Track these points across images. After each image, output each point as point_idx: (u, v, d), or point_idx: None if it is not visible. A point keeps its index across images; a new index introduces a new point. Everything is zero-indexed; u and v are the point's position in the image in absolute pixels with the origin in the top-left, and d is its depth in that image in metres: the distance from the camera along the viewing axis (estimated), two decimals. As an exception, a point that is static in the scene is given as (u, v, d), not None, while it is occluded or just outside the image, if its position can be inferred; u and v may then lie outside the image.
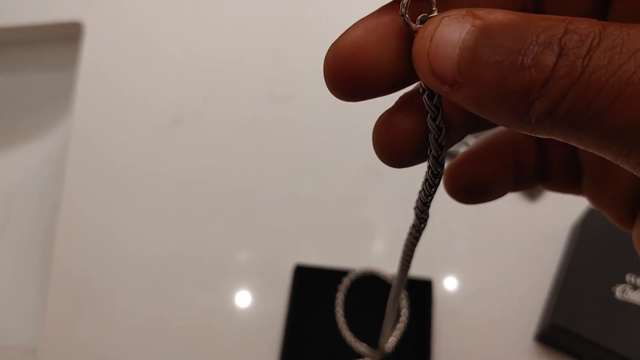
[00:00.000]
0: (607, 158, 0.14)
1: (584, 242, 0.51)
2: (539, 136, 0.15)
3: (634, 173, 0.14)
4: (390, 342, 0.48)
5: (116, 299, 0.54)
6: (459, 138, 0.20)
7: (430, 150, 0.18)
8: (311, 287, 0.51)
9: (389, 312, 0.35)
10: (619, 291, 0.48)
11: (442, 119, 0.17)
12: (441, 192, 0.58)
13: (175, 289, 0.54)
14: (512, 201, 0.58)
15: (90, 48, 0.67)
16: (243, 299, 0.53)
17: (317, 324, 0.50)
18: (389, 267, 0.52)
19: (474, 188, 0.22)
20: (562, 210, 0.56)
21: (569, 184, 0.23)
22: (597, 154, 0.14)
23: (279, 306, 0.52)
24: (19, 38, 0.69)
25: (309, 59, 0.64)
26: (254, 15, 0.69)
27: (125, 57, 0.67)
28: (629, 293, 0.48)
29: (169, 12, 0.69)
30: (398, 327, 0.48)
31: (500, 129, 0.23)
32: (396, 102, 0.18)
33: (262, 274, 0.55)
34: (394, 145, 0.18)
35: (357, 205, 0.58)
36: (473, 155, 0.23)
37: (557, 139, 0.15)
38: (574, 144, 0.15)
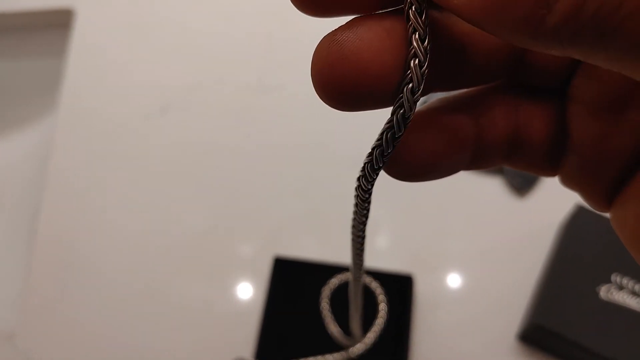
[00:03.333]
0: (635, 75, 0.12)
1: (570, 241, 0.50)
2: (550, 52, 0.12)
3: None
4: (369, 337, 0.47)
5: (97, 286, 0.54)
6: (425, 92, 0.17)
7: (406, 85, 0.14)
8: (290, 279, 0.50)
9: (352, 298, 0.34)
10: (603, 291, 0.47)
11: (430, 42, 0.14)
12: (425, 188, 0.57)
13: (156, 277, 0.54)
14: (499, 198, 0.57)
15: (80, 35, 0.66)
16: (224, 288, 0.53)
17: (296, 315, 0.49)
18: (378, 263, 0.51)
19: (417, 163, 0.17)
20: (550, 208, 0.55)
21: (543, 162, 0.19)
22: (623, 71, 0.12)
23: (260, 298, 0.51)
24: (9, 24, 0.69)
25: (299, 48, 0.63)
26: (246, 3, 0.68)
27: (114, 45, 0.67)
28: (614, 293, 0.47)
29: (160, 1, 0.69)
30: (377, 323, 0.48)
31: (467, 91, 0.18)
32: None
33: (245, 265, 0.54)
34: (349, 72, 0.14)
35: (346, 200, 0.57)
36: (421, 121, 0.17)
37: (571, 55, 0.12)
38: (592, 61, 0.12)
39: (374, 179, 0.17)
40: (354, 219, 0.20)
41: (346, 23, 0.14)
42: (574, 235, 0.50)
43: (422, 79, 0.14)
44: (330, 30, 0.14)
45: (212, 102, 0.62)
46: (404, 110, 0.14)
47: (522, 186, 0.56)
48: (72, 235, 0.57)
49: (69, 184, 0.60)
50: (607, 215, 0.18)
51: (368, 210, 0.19)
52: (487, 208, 0.56)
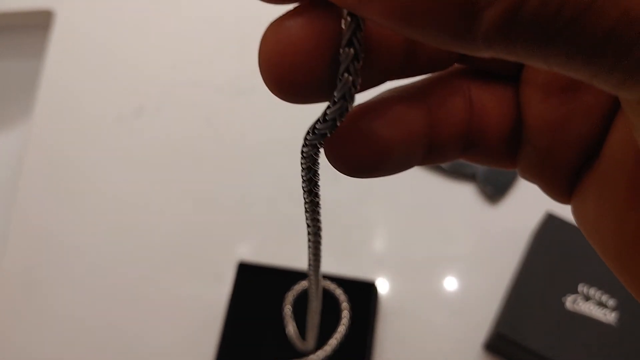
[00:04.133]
0: (578, 77, 0.11)
1: (538, 249, 0.49)
2: (484, 56, 0.12)
3: (612, 92, 0.11)
4: (331, 344, 0.47)
5: (64, 285, 0.54)
6: (377, 80, 0.16)
7: (343, 74, 0.13)
8: (254, 284, 0.50)
9: (311, 300, 0.33)
10: (569, 301, 0.47)
11: (362, 32, 0.13)
12: (396, 193, 0.57)
13: (123, 278, 0.54)
14: (471, 205, 0.56)
15: (59, 36, 0.66)
16: (187, 291, 0.53)
17: (259, 320, 0.48)
18: (343, 270, 0.51)
19: (365, 156, 0.16)
20: (521, 216, 0.54)
21: (501, 154, 0.18)
22: (564, 72, 0.11)
23: (223, 302, 0.51)
24: (-11, 25, 0.69)
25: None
26: (221, 8, 0.68)
27: (93, 47, 0.67)
28: (580, 304, 0.46)
29: (138, 3, 0.69)
30: (339, 330, 0.47)
31: (419, 80, 0.17)
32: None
33: (208, 269, 0.54)
34: (290, 61, 0.14)
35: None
36: (370, 111, 0.16)
37: (508, 58, 0.11)
38: (531, 63, 0.11)
39: (313, 161, 0.16)
40: (305, 212, 0.20)
41: (291, 10, 0.14)
42: (543, 243, 0.50)
43: (357, 58, 0.13)
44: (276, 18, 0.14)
45: (185, 104, 0.62)
46: (341, 102, 0.14)
47: (494, 194, 0.56)
48: (37, 241, 0.57)
49: (42, 183, 0.59)
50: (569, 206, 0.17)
51: (316, 205, 0.19)
52: (458, 215, 0.56)
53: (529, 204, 0.55)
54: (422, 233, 0.55)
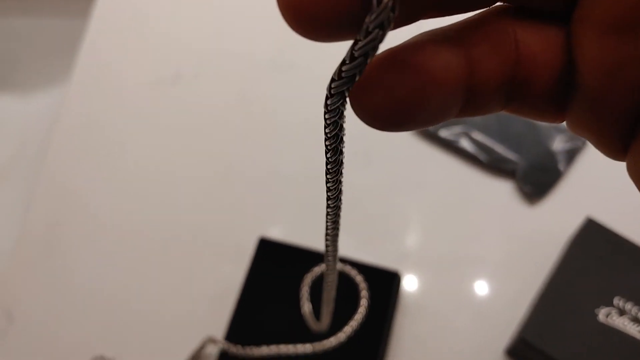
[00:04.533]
0: None
1: (574, 256, 0.46)
2: None
3: None
4: (345, 331, 0.45)
5: (85, 246, 0.54)
6: (411, 16, 0.14)
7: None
8: (273, 261, 0.48)
9: (327, 274, 0.32)
10: (602, 314, 0.44)
11: None
12: (432, 185, 0.54)
13: (145, 243, 0.53)
14: (508, 203, 0.53)
15: (105, -2, 0.66)
16: (207, 263, 0.52)
17: (274, 299, 0.47)
18: (367, 257, 0.49)
19: (398, 106, 0.14)
20: (561, 220, 0.51)
21: (548, 104, 0.16)
22: None
23: (241, 276, 0.50)
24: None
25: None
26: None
27: (136, 11, 0.66)
28: (614, 317, 0.43)
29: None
30: (355, 318, 0.45)
31: (458, 22, 0.16)
32: None
33: (230, 242, 0.53)
34: None
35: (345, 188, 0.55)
36: (402, 58, 0.14)
37: None
38: None
39: (339, 114, 0.15)
40: (327, 173, 0.18)
41: None
42: (580, 249, 0.47)
43: None
44: None
45: (222, 75, 0.61)
46: (367, 40, 0.12)
47: (533, 193, 0.53)
48: (66, 196, 0.57)
49: (74, 143, 0.59)
50: (623, 162, 0.15)
51: (340, 164, 0.17)
52: (493, 213, 0.53)
53: (569, 207, 0.52)
54: (453, 229, 0.53)
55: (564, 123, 0.16)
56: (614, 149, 0.15)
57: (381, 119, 0.14)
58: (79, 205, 0.56)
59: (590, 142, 0.16)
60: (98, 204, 0.56)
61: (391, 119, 0.14)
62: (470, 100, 0.15)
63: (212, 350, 0.46)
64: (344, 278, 0.47)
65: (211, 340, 0.45)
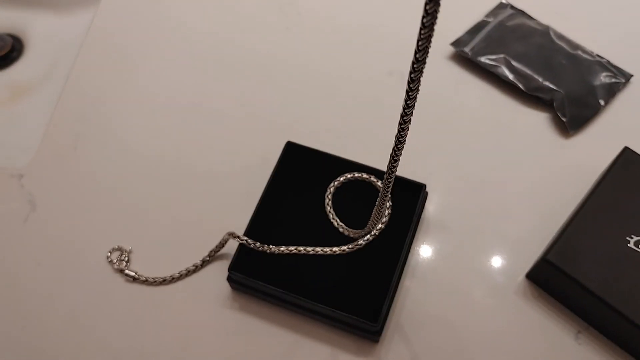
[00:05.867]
0: None
1: (610, 183, 0.45)
2: None
3: None
4: (367, 237, 0.44)
5: (110, 144, 0.53)
6: None
7: None
8: (299, 165, 0.48)
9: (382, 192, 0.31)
10: (634, 242, 0.42)
11: None
12: (462, 98, 0.52)
13: (170, 143, 0.53)
14: (543, 132, 0.52)
15: None
16: (236, 163, 0.51)
17: (297, 201, 0.47)
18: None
19: None
20: (596, 154, 0.49)
21: None
22: None
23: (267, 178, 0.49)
24: None
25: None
26: None
27: None
28: (646, 246, 0.42)
29: None
30: (378, 227, 0.44)
31: None
32: None
33: (260, 145, 0.52)
34: None
35: (375, 104, 0.54)
36: None
37: None
38: None
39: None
40: (409, 82, 0.24)
41: None
42: (617, 177, 0.45)
43: None
44: None
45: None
46: None
47: (570, 125, 0.51)
48: (96, 93, 0.56)
49: (99, 61, 0.59)
50: None
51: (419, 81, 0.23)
52: (528, 142, 0.52)
53: (605, 143, 0.50)
54: (485, 154, 0.51)
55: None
56: None
57: None
58: (101, 111, 0.56)
59: None
60: (119, 117, 0.55)
61: None
62: None
63: (233, 245, 0.46)
64: (368, 186, 0.46)
65: (233, 235, 0.45)
